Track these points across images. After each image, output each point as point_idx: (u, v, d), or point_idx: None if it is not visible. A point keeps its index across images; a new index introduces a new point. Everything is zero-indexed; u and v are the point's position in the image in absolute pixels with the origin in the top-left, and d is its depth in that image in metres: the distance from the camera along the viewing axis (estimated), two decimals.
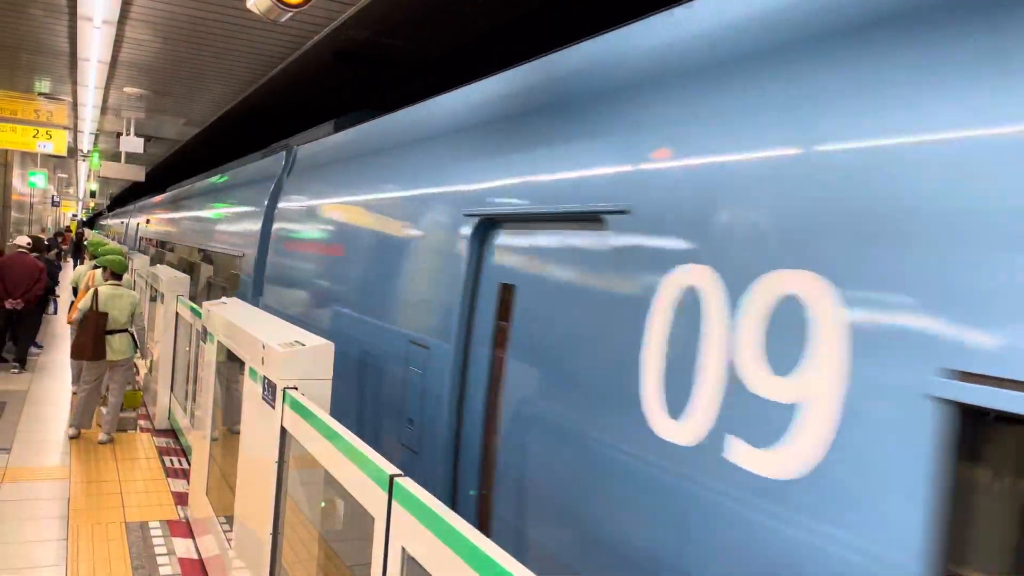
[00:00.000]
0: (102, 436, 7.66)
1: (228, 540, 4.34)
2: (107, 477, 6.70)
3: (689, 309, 2.15)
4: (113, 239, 24.67)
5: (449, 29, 7.33)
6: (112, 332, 7.64)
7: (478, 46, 7.61)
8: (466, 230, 3.45)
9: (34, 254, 11.78)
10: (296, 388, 3.31)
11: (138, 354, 8.11)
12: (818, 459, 1.75)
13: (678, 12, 2.60)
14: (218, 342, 4.89)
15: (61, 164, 26.38)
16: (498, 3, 6.55)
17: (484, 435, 3.18)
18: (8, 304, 10.58)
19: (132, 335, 7.92)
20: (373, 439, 4.14)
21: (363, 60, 8.36)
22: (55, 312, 16.53)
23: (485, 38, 7.34)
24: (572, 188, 2.76)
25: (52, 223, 40.15)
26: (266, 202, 7.27)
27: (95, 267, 9.71)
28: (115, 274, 7.95)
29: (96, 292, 7.66)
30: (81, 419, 7.73)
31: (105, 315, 7.57)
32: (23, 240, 11.76)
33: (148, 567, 5.01)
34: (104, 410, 7.81)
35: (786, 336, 1.85)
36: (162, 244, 14.99)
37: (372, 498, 2.34)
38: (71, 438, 7.62)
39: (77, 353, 7.59)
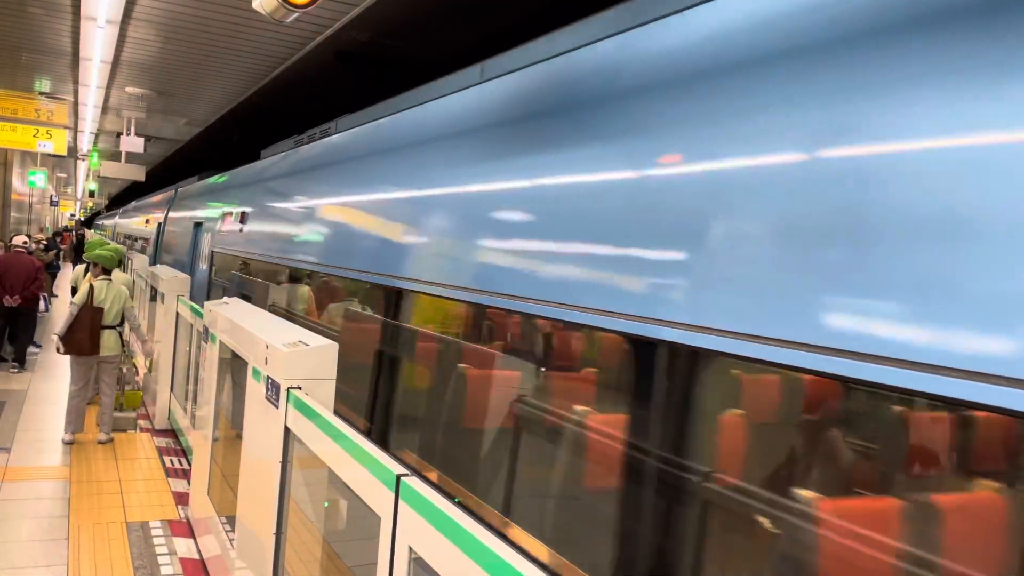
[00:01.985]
0: (101, 436, 7.65)
1: (230, 540, 4.34)
2: (107, 477, 6.70)
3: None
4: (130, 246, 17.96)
5: (451, 32, 7.34)
6: (103, 327, 7.63)
7: (481, 49, 7.62)
8: None
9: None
10: (300, 388, 3.32)
11: (124, 351, 8.04)
12: None
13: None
14: (220, 342, 4.90)
15: (60, 163, 26.36)
16: (501, 5, 6.56)
17: None
18: (7, 301, 10.64)
19: (119, 332, 7.90)
20: None
21: (365, 61, 8.37)
22: (47, 310, 16.51)
23: (488, 41, 7.35)
24: None
25: (51, 223, 40.11)
26: None
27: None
28: (105, 269, 7.92)
29: (91, 287, 7.64)
30: (76, 424, 7.66)
31: (100, 310, 7.56)
32: (20, 239, 11.80)
33: (149, 567, 5.01)
34: (100, 410, 7.79)
35: None
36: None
37: (379, 498, 2.34)
38: (66, 443, 7.56)
39: (75, 349, 7.53)
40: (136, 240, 18.57)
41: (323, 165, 5.25)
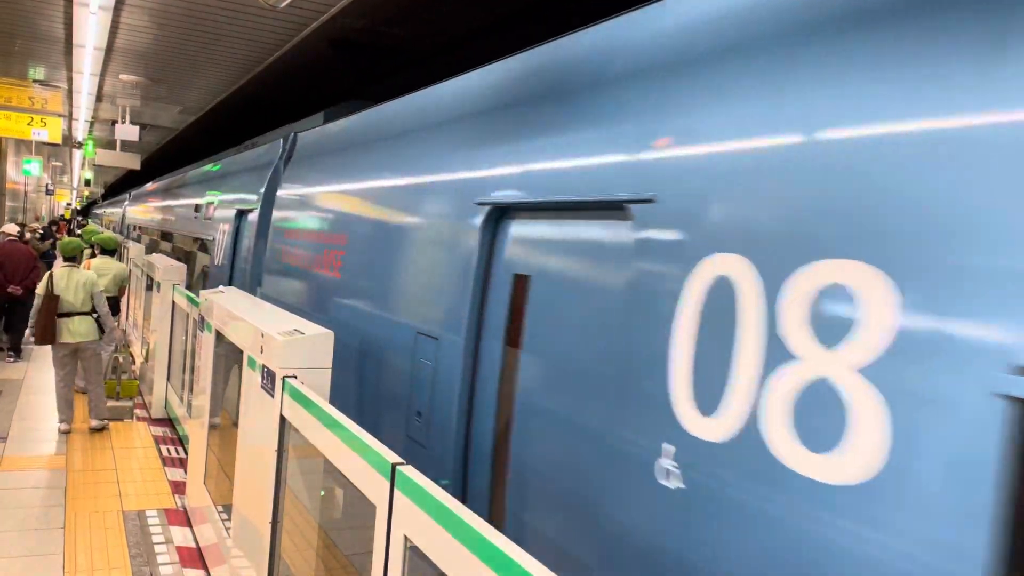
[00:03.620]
0: (93, 423, 7.61)
1: (226, 529, 4.34)
2: (104, 466, 6.70)
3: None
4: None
5: (446, 18, 7.29)
6: (69, 315, 7.50)
7: (475, 36, 7.58)
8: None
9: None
10: (295, 377, 3.31)
11: (103, 339, 7.91)
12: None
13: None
14: (216, 331, 4.88)
15: (55, 152, 26.25)
16: None
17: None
18: (10, 290, 10.66)
19: (95, 319, 7.72)
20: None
21: (360, 49, 8.32)
22: None
23: (482, 28, 7.31)
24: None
25: (46, 211, 40.00)
26: None
27: (92, 256, 9.70)
28: (67, 257, 7.85)
29: (51, 275, 7.57)
30: (65, 412, 7.62)
31: (56, 298, 7.47)
32: (12, 228, 11.76)
33: (146, 555, 5.02)
34: (88, 397, 7.75)
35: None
36: None
37: (374, 486, 2.34)
38: (63, 432, 7.53)
39: (39, 337, 7.48)
40: (171, 245, 11.86)
41: None
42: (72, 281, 7.58)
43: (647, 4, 2.73)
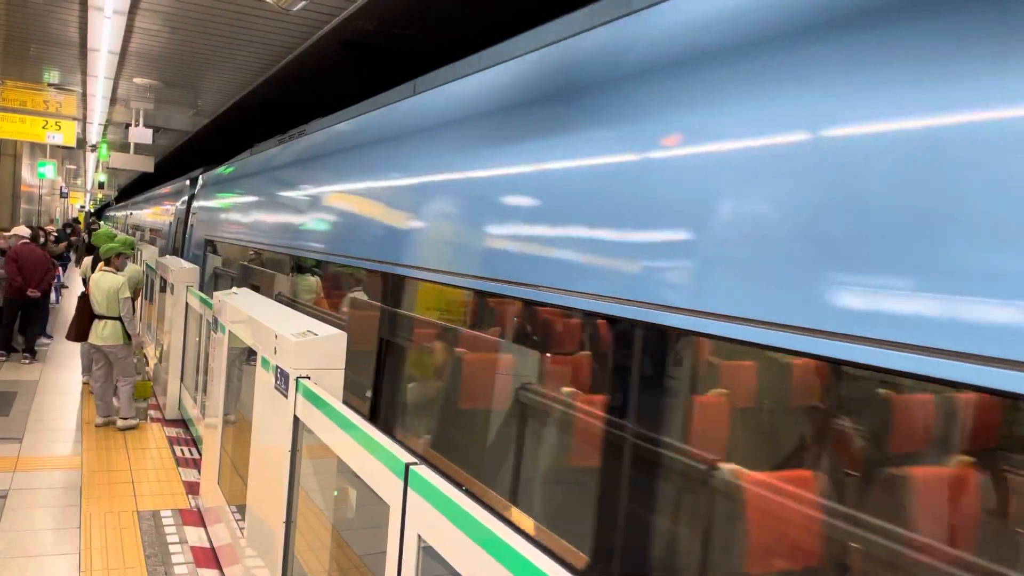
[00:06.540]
0: (98, 420, 7.82)
1: (240, 529, 4.36)
2: (118, 466, 6.74)
3: None
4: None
5: (459, 20, 7.30)
6: (99, 317, 7.76)
7: (489, 37, 7.58)
8: None
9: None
10: (309, 377, 3.32)
11: (133, 344, 8.06)
12: None
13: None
14: (229, 332, 4.90)
15: (69, 155, 26.44)
16: None
17: None
18: (29, 293, 10.81)
19: (122, 323, 7.86)
20: None
21: (372, 50, 8.34)
22: (57, 302, 16.61)
23: (496, 28, 7.32)
24: None
25: (60, 214, 40.29)
26: None
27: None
28: (105, 260, 8.11)
29: (92, 276, 8.05)
30: (100, 408, 7.90)
31: (87, 298, 7.88)
32: (24, 230, 11.85)
33: (160, 555, 5.05)
34: (115, 397, 7.95)
35: None
36: None
37: (387, 486, 2.35)
38: (98, 426, 7.82)
39: (67, 333, 8.17)
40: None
41: None
42: (102, 285, 7.78)
43: None
